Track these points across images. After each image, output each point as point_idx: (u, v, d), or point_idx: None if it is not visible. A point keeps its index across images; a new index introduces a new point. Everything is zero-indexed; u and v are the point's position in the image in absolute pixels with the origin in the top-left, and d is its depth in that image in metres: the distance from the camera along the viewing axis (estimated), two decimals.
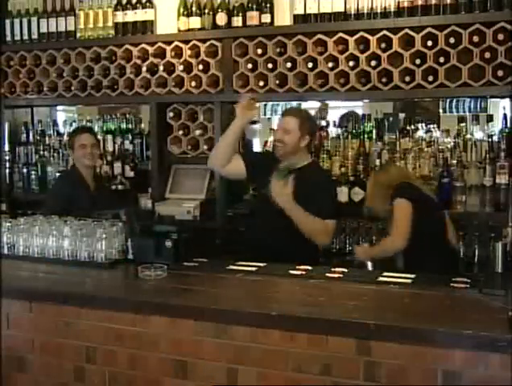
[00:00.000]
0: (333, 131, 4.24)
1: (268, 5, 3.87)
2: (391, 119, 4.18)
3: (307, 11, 3.75)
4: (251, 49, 3.90)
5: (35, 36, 4.49)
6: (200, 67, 4.03)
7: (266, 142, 4.46)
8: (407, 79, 3.55)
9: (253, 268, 3.00)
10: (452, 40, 3.44)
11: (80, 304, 2.59)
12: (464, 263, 3.65)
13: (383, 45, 3.62)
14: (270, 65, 3.86)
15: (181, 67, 4.08)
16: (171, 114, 4.26)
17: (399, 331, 2.14)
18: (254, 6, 3.87)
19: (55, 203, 3.73)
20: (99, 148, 4.16)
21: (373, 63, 3.62)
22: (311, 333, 2.24)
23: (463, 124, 4.07)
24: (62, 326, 2.62)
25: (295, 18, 3.80)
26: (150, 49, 4.17)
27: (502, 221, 3.31)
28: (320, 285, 2.73)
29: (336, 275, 2.88)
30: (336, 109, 5.14)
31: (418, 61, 3.51)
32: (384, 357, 2.14)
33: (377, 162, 3.87)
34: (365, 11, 3.63)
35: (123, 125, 4.76)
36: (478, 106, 4.43)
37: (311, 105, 4.74)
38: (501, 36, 3.34)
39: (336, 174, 3.93)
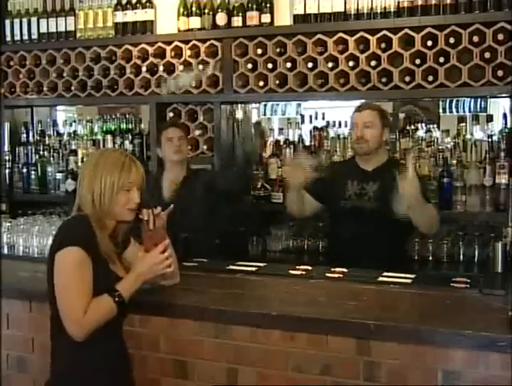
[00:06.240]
0: (333, 131, 4.23)
1: (268, 5, 3.86)
2: (391, 119, 4.18)
3: (307, 11, 3.74)
4: (251, 49, 3.90)
5: (34, 36, 4.48)
6: (200, 67, 4.03)
7: (265, 142, 4.44)
8: (407, 79, 3.55)
9: (253, 269, 3.00)
10: (451, 40, 3.43)
11: None
12: (464, 263, 3.66)
13: (383, 45, 3.62)
14: (270, 65, 3.86)
15: (181, 67, 4.08)
16: (171, 114, 4.25)
17: (399, 331, 2.14)
18: (254, 6, 3.86)
19: None
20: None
21: (373, 63, 3.62)
22: (311, 333, 2.24)
23: (463, 124, 4.07)
24: None
25: (295, 18, 3.79)
26: (150, 49, 4.16)
27: (502, 221, 3.30)
28: (320, 285, 2.74)
29: (336, 275, 2.88)
30: (337, 109, 5.12)
31: (418, 61, 3.51)
32: (384, 357, 2.14)
33: None
34: (365, 11, 3.62)
35: (123, 125, 4.75)
36: (478, 106, 4.43)
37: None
38: (501, 36, 3.34)
39: None
